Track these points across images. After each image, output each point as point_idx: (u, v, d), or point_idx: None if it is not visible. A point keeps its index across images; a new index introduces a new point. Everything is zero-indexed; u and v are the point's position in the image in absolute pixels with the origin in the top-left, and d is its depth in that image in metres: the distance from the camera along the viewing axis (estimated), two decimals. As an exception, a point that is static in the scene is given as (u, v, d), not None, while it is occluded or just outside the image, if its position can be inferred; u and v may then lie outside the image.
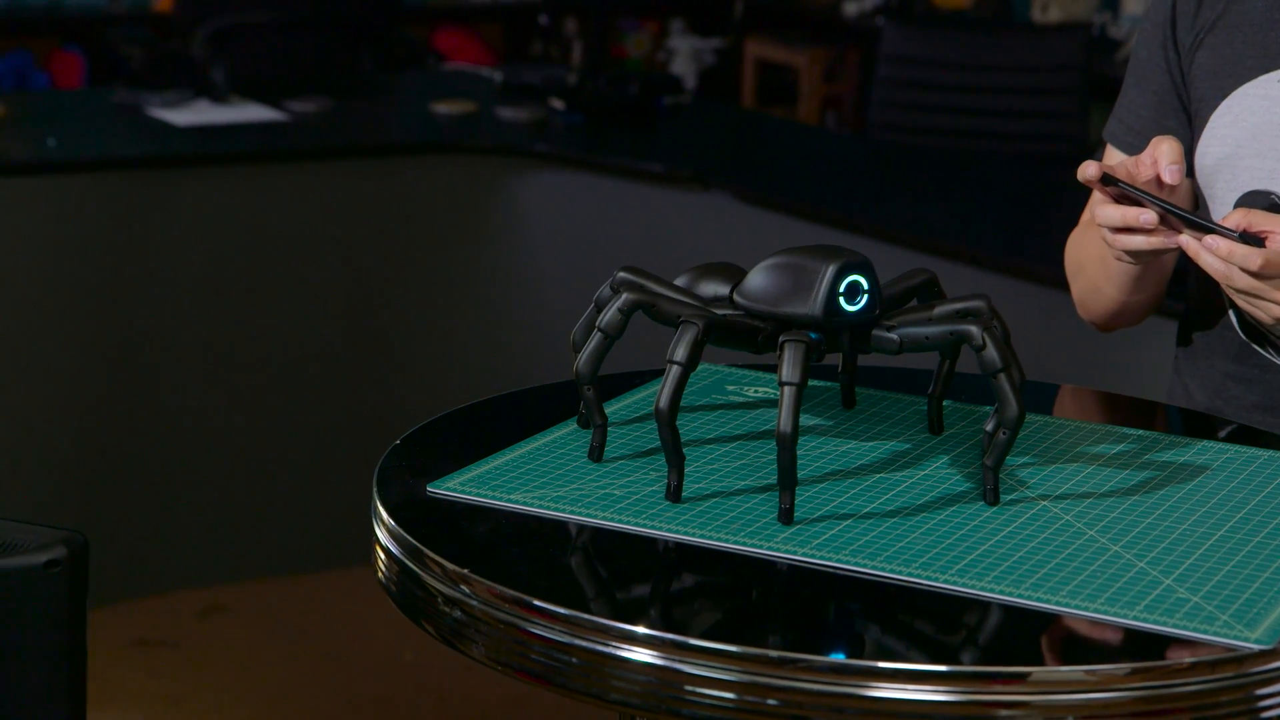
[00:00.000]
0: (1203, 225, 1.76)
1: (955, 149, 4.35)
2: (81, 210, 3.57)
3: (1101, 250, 1.93)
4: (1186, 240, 1.77)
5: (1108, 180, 1.77)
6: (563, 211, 3.87)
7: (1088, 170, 1.76)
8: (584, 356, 1.62)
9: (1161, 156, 1.81)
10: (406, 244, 3.84)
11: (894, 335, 1.63)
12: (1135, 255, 1.83)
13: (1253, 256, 1.73)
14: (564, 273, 3.80)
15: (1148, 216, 1.76)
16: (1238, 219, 1.76)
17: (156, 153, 3.71)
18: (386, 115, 4.36)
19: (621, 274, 1.66)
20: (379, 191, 3.83)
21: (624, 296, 1.61)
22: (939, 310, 1.63)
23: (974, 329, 1.58)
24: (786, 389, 1.52)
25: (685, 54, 6.77)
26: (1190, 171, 2.02)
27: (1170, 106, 2.03)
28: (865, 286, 1.62)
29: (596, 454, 1.66)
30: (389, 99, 4.54)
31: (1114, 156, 2.08)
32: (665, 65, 6.76)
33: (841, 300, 1.61)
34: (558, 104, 4.07)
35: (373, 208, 3.82)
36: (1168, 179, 1.80)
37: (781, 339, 1.55)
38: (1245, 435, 1.82)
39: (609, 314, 1.61)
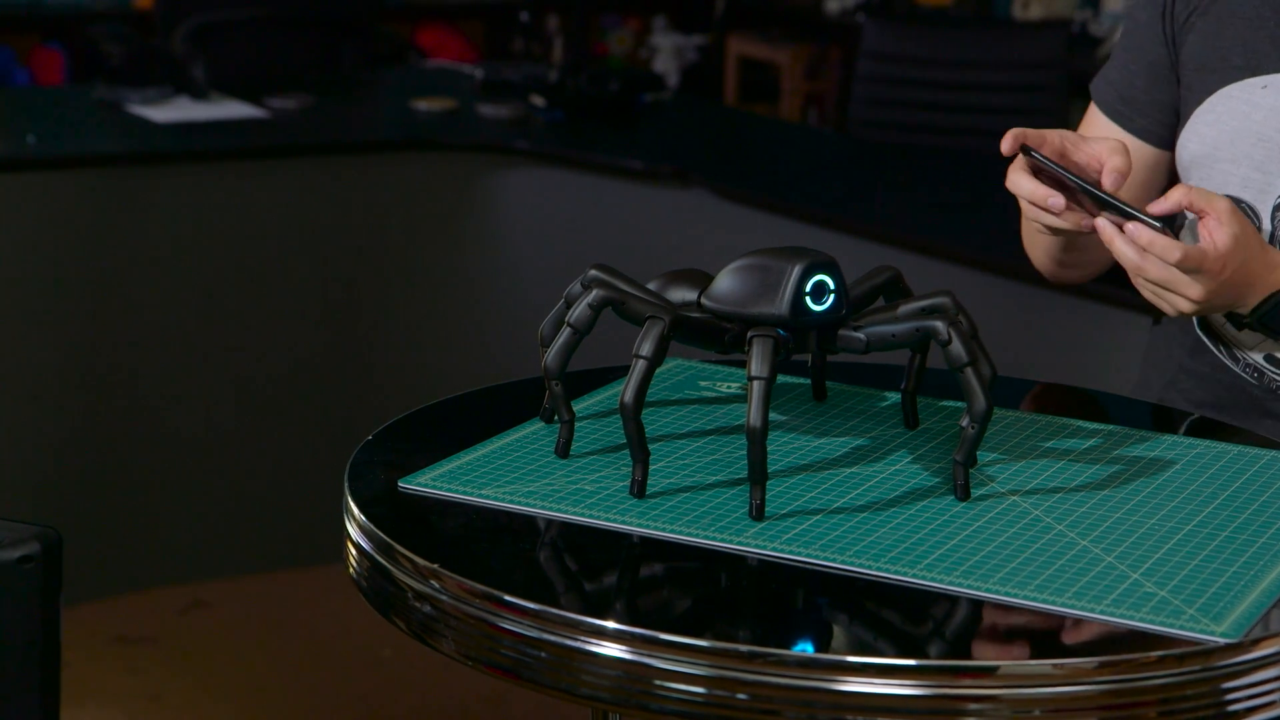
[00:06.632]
0: (1126, 211, 1.73)
1: (936, 146, 4.35)
2: (61, 207, 3.57)
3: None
4: (1101, 224, 1.75)
5: (1026, 151, 1.76)
6: (543, 208, 3.87)
7: (1005, 143, 1.76)
8: (553, 352, 1.62)
9: (1108, 163, 1.78)
10: (387, 241, 3.84)
11: (860, 335, 1.63)
12: (1051, 230, 1.82)
13: (1172, 250, 1.71)
14: (544, 269, 3.80)
15: (1055, 201, 1.75)
16: (1178, 197, 1.74)
17: (136, 150, 3.70)
18: (367, 112, 4.36)
19: (593, 271, 1.66)
20: (359, 188, 3.83)
21: (594, 293, 1.61)
22: (905, 308, 1.64)
23: (939, 324, 1.58)
24: (755, 384, 1.53)
25: (667, 51, 6.77)
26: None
27: (1164, 79, 2.00)
28: (831, 286, 1.63)
29: (564, 450, 1.66)
30: (370, 96, 4.54)
31: (1097, 120, 2.05)
32: (647, 62, 6.76)
33: (808, 300, 1.62)
34: (538, 101, 4.08)
35: (353, 204, 3.82)
36: (1107, 184, 1.77)
37: (750, 334, 1.56)
38: (1212, 430, 1.82)
39: (579, 309, 1.61)
